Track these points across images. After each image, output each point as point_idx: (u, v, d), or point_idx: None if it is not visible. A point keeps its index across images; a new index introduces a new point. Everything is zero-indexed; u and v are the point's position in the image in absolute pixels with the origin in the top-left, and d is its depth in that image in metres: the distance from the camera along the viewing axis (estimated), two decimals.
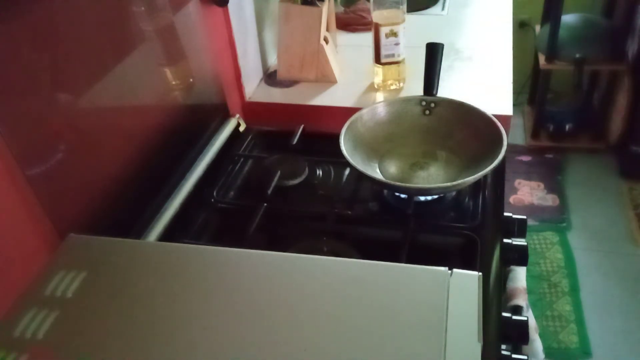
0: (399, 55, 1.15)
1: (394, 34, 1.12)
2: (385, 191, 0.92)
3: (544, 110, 2.39)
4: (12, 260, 0.60)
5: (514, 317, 0.75)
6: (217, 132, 1.04)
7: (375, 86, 1.20)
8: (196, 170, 0.93)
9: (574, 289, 1.84)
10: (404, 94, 1.19)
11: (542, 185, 2.25)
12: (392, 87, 1.19)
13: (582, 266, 1.92)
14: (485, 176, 0.88)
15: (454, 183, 0.82)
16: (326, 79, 1.21)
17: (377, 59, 1.16)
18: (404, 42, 1.14)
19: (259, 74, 1.25)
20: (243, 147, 1.06)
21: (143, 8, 0.81)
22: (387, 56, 1.15)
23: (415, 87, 1.12)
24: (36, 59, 0.62)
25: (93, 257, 0.61)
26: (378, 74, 1.18)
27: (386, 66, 1.16)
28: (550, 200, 2.17)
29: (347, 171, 0.96)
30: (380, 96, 1.17)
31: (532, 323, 0.94)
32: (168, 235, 0.82)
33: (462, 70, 1.24)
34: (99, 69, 0.73)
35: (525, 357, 0.71)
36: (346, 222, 0.86)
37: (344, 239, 0.81)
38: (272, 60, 1.30)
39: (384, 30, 1.12)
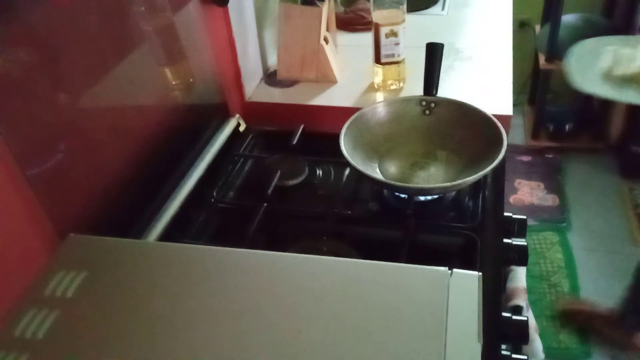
0: (399, 55, 1.15)
1: (394, 34, 1.12)
2: (385, 191, 0.92)
3: (544, 110, 2.39)
4: (12, 260, 0.60)
5: (514, 317, 0.75)
6: (217, 132, 1.04)
7: (375, 86, 1.20)
8: (196, 170, 0.93)
9: (574, 289, 1.84)
10: (404, 94, 1.19)
11: (542, 185, 2.25)
12: (392, 87, 1.19)
13: (582, 266, 1.92)
14: (485, 176, 0.88)
15: (454, 183, 0.82)
16: (326, 79, 1.21)
17: (377, 59, 1.16)
18: (404, 42, 1.14)
19: (259, 74, 1.25)
20: (243, 147, 1.06)
21: (143, 8, 0.81)
22: (387, 56, 1.15)
23: (415, 87, 1.12)
24: (36, 59, 0.62)
25: (93, 257, 0.61)
26: (378, 74, 1.18)
27: (386, 66, 1.16)
28: (550, 200, 2.17)
29: (347, 171, 0.96)
30: (380, 96, 1.17)
31: (532, 323, 0.95)
32: (168, 235, 0.82)
33: (462, 70, 1.24)
34: (99, 69, 0.73)
35: (525, 357, 0.71)
36: (346, 222, 0.86)
37: (344, 239, 0.81)
38: (272, 60, 1.30)
39: (384, 30, 1.12)
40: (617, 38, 1.07)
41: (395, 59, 1.16)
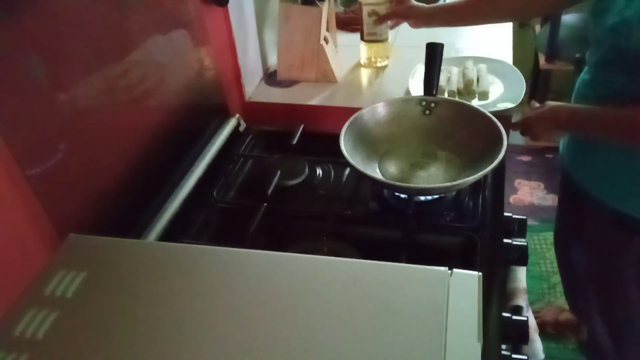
0: (381, 35, 1.21)
1: (375, 13, 1.17)
2: (385, 191, 0.92)
3: None
4: (12, 260, 0.60)
5: (514, 317, 0.75)
6: (217, 132, 1.04)
7: (362, 63, 1.26)
8: (196, 170, 0.93)
9: None
10: (389, 70, 1.25)
11: (542, 185, 2.25)
12: (378, 65, 1.26)
13: None
14: (485, 176, 0.88)
15: (454, 183, 0.82)
16: (326, 79, 1.21)
17: (362, 37, 1.23)
18: (387, 22, 1.19)
19: (259, 74, 1.25)
20: (243, 147, 1.06)
21: (143, 8, 0.81)
22: (370, 34, 1.21)
23: (401, 64, 1.19)
24: (36, 59, 0.62)
25: (93, 257, 0.61)
26: (363, 51, 1.24)
27: (370, 44, 1.22)
28: (550, 200, 2.17)
29: (347, 171, 0.96)
30: (380, 93, 1.18)
31: (532, 323, 0.95)
32: (168, 235, 0.82)
33: None
34: (99, 69, 0.73)
35: (525, 357, 0.71)
36: (346, 222, 0.86)
37: (344, 239, 0.81)
38: (272, 60, 1.30)
39: (366, 9, 1.16)
40: (452, 59, 1.23)
41: (378, 37, 1.21)
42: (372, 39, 1.22)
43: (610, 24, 0.85)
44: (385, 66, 1.26)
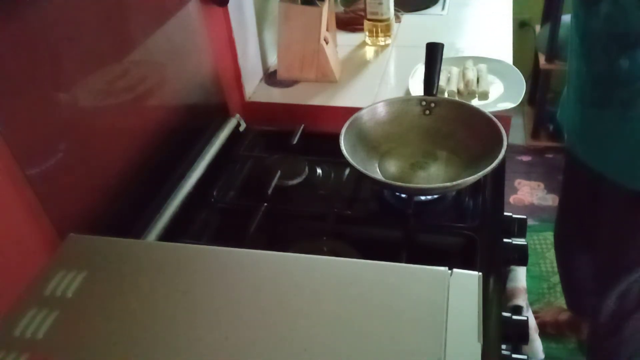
0: (382, 14, 1.29)
1: None
2: (385, 191, 0.92)
3: (544, 110, 2.39)
4: (12, 260, 0.60)
5: (514, 317, 0.75)
6: (217, 132, 1.04)
7: (366, 41, 1.35)
8: (196, 170, 0.93)
9: None
10: (393, 48, 1.33)
11: (542, 185, 2.25)
12: (381, 43, 1.34)
13: None
14: (485, 176, 0.88)
15: (454, 183, 0.82)
16: (326, 79, 1.21)
17: (365, 15, 1.33)
18: (390, 4, 1.28)
19: (259, 74, 1.25)
20: (243, 147, 1.06)
21: (143, 8, 0.81)
22: (372, 13, 1.30)
23: (401, 64, 1.22)
24: (36, 59, 0.62)
25: (93, 257, 0.61)
26: (367, 29, 1.33)
27: (373, 22, 1.31)
28: (550, 200, 2.17)
29: (347, 171, 0.96)
30: (380, 93, 1.18)
31: (532, 323, 0.95)
32: (168, 235, 0.82)
33: None
34: (99, 68, 0.73)
35: (525, 357, 0.71)
36: (346, 222, 0.86)
37: (344, 239, 0.81)
38: (272, 60, 1.30)
39: None
40: (452, 59, 1.24)
41: (379, 17, 1.30)
42: (373, 18, 1.31)
43: (605, 12, 0.84)
44: (388, 45, 1.35)
